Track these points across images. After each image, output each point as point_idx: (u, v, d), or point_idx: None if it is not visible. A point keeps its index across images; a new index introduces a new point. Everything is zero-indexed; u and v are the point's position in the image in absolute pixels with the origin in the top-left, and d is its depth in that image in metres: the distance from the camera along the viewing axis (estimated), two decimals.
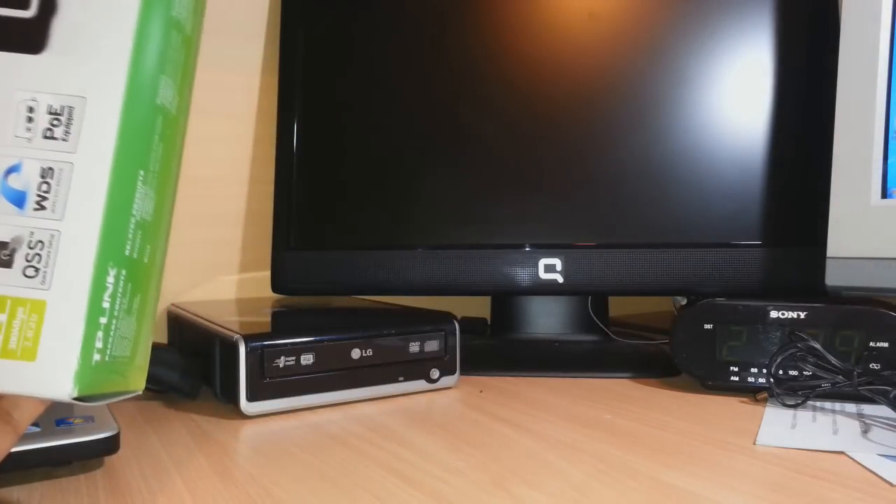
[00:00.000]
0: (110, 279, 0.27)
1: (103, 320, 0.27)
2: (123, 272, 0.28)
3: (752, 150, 0.58)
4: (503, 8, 0.63)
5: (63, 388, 0.25)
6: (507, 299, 0.69)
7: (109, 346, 0.27)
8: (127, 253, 0.28)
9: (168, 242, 0.34)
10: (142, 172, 0.28)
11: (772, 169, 0.58)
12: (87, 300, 0.26)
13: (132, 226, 0.28)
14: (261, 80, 0.72)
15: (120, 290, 0.28)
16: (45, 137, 0.26)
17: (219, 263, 0.71)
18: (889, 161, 0.48)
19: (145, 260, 0.30)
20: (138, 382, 0.31)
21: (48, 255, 0.26)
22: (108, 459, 0.39)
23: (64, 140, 0.26)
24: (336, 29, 0.66)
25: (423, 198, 0.63)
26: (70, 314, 0.25)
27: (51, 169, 0.26)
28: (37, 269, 0.25)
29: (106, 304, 0.27)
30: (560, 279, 0.60)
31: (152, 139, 0.29)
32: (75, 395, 0.25)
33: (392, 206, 0.63)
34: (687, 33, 0.59)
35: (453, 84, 0.63)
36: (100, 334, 0.26)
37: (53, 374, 0.25)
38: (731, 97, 0.59)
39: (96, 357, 0.26)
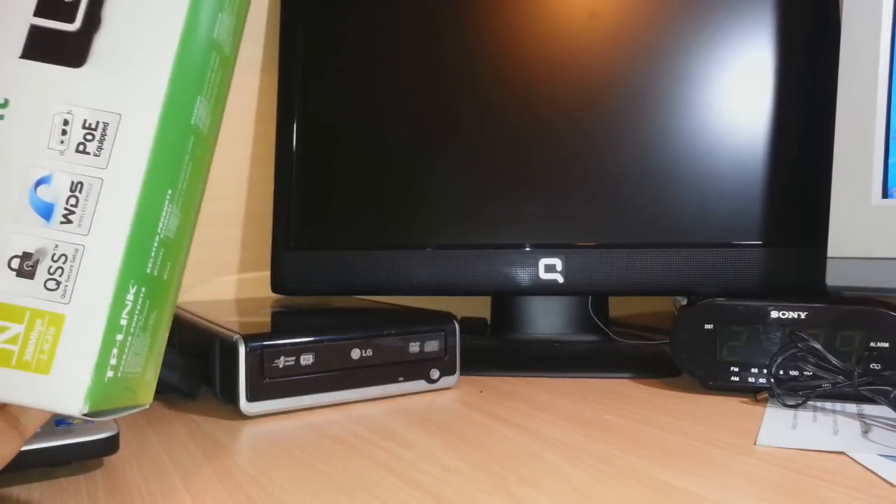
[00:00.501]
0: (130, 296, 0.27)
1: (119, 337, 0.27)
2: (143, 289, 0.28)
3: (752, 149, 0.58)
4: (503, 8, 0.63)
5: (74, 404, 0.25)
6: (508, 299, 0.69)
7: (123, 363, 0.27)
8: (148, 271, 0.28)
9: (187, 258, 0.34)
10: (170, 191, 0.28)
11: (772, 169, 0.58)
12: (106, 317, 0.26)
13: (156, 244, 0.28)
14: (260, 79, 0.72)
15: (138, 307, 0.28)
16: (78, 151, 0.26)
17: (218, 263, 0.71)
18: (889, 161, 0.48)
19: (165, 277, 0.30)
20: (146, 397, 0.31)
21: (71, 269, 0.26)
22: (107, 460, 0.39)
23: (96, 155, 0.26)
24: (336, 29, 0.66)
25: (422, 198, 0.63)
26: (88, 330, 0.25)
27: (80, 183, 0.26)
28: (58, 283, 0.25)
29: (123, 322, 0.27)
30: (560, 279, 0.60)
31: (183, 159, 0.29)
32: (85, 411, 0.25)
33: (392, 206, 0.63)
34: (687, 33, 0.59)
35: (453, 84, 0.63)
36: (115, 351, 0.26)
37: (66, 390, 0.25)
38: (732, 97, 0.59)
39: (109, 374, 0.26)
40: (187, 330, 0.56)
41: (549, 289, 0.61)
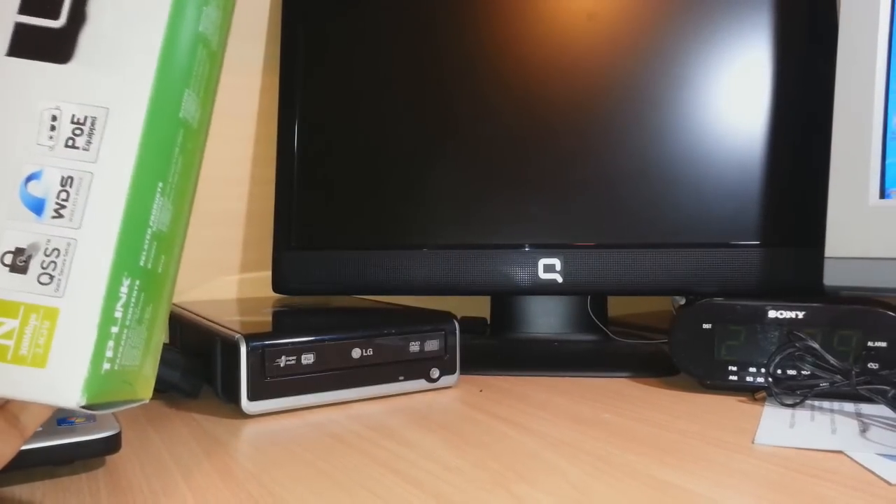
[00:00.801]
0: (124, 289, 0.27)
1: (115, 329, 0.27)
2: (137, 282, 0.28)
3: (750, 150, 0.58)
4: (502, 9, 0.63)
5: (71, 396, 0.25)
6: (507, 299, 0.69)
7: (119, 356, 0.27)
8: (142, 263, 0.28)
9: (182, 252, 0.34)
10: (160, 184, 0.29)
11: (770, 169, 0.58)
12: (100, 309, 0.26)
13: (148, 236, 0.28)
14: (262, 80, 0.72)
15: (133, 300, 0.28)
16: (67, 146, 0.26)
17: (220, 263, 0.71)
18: (887, 161, 0.48)
19: (159, 270, 0.30)
20: (145, 391, 0.31)
21: (63, 263, 0.26)
22: (109, 458, 0.39)
23: (85, 150, 0.27)
24: (336, 29, 0.66)
25: (423, 198, 0.63)
26: (82, 322, 0.26)
27: (70, 178, 0.26)
28: (51, 277, 0.26)
29: (118, 314, 0.27)
30: (559, 279, 0.61)
31: (173, 152, 0.29)
32: (83, 403, 0.25)
33: (392, 206, 0.64)
34: (686, 34, 0.60)
35: (452, 85, 0.63)
36: (110, 343, 0.27)
37: (62, 382, 0.25)
38: (730, 98, 0.59)
39: (106, 366, 0.26)
40: (189, 329, 0.57)
41: (548, 288, 0.61)
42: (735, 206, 0.58)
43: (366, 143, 0.65)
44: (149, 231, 0.28)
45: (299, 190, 0.65)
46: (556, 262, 0.60)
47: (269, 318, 0.55)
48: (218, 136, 0.70)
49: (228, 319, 0.53)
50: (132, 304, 0.28)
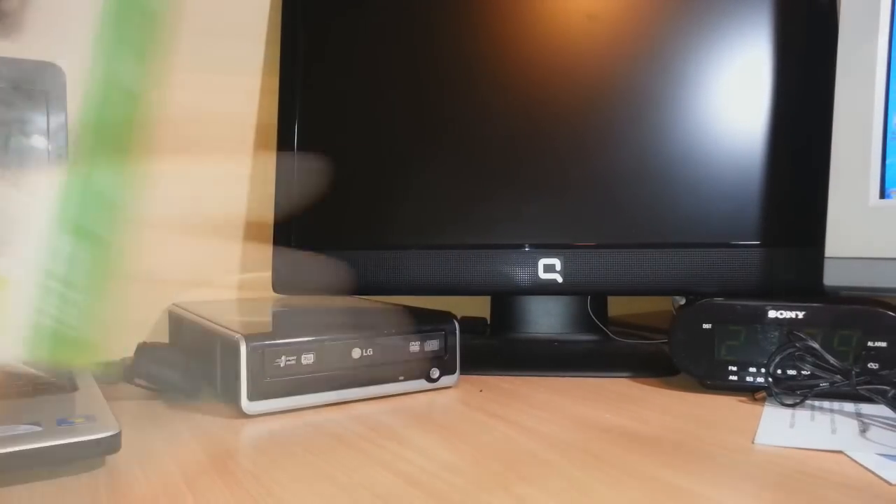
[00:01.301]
0: (66, 250, 0.27)
1: (54, 286, 0.27)
2: (81, 245, 0.28)
3: (750, 150, 0.58)
4: (501, 9, 0.63)
5: (11, 350, 0.26)
6: (507, 299, 0.69)
7: (62, 316, 0.28)
8: (84, 226, 0.28)
9: (134, 222, 0.34)
10: (101, 148, 0.29)
11: (770, 169, 0.58)
12: (39, 269, 0.26)
13: (91, 199, 0.29)
14: (261, 80, 0.72)
15: (76, 261, 0.28)
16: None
17: (220, 263, 0.71)
18: (887, 161, 0.48)
19: (104, 235, 0.30)
20: (91, 355, 0.31)
21: (3, 225, 0.26)
22: (109, 459, 0.39)
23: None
24: (336, 30, 0.66)
25: (423, 198, 0.63)
26: (23, 283, 0.26)
27: (11, 137, 0.27)
28: None
29: (59, 275, 0.27)
30: (559, 279, 0.61)
31: (111, 114, 0.30)
32: (23, 358, 0.26)
33: (392, 206, 0.64)
34: (686, 34, 0.60)
35: (453, 85, 0.63)
36: (52, 302, 0.27)
37: (2, 338, 0.26)
38: (730, 98, 0.59)
39: (47, 324, 0.27)
40: (189, 330, 0.57)
41: (548, 289, 0.61)
42: (735, 206, 0.58)
43: (366, 142, 0.65)
44: (92, 194, 0.29)
45: (299, 190, 0.65)
46: (556, 262, 0.60)
47: (269, 318, 0.55)
48: (218, 136, 0.70)
49: (228, 319, 0.53)
50: (75, 266, 0.28)
